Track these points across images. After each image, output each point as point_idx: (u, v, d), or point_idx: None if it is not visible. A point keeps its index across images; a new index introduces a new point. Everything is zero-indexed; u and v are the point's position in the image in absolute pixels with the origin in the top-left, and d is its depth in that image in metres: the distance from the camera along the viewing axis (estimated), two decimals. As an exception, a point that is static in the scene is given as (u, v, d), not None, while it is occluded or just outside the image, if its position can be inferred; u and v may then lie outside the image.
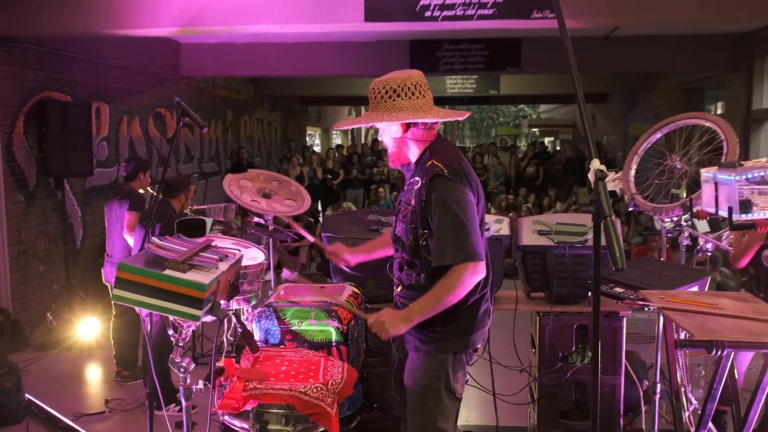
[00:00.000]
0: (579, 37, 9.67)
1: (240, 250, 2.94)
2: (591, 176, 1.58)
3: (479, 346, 2.85)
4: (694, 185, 3.64)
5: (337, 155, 15.06)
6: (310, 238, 3.32)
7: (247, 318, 3.24)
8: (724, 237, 4.31)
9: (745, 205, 2.59)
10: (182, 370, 2.63)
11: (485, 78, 13.45)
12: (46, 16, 6.23)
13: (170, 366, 2.64)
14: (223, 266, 2.57)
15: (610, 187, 4.06)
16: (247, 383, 2.43)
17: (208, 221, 4.57)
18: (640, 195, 3.94)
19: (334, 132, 25.19)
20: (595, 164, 1.58)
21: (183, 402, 2.67)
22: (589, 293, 3.69)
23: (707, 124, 3.74)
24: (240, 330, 2.61)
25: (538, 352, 3.74)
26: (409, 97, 2.64)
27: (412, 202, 2.67)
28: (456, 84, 13.31)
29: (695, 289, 3.20)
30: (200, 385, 2.71)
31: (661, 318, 3.56)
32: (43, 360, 6.20)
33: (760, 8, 6.10)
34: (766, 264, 3.22)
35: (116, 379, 5.70)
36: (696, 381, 5.07)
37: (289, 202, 4.11)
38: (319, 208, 13.32)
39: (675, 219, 3.75)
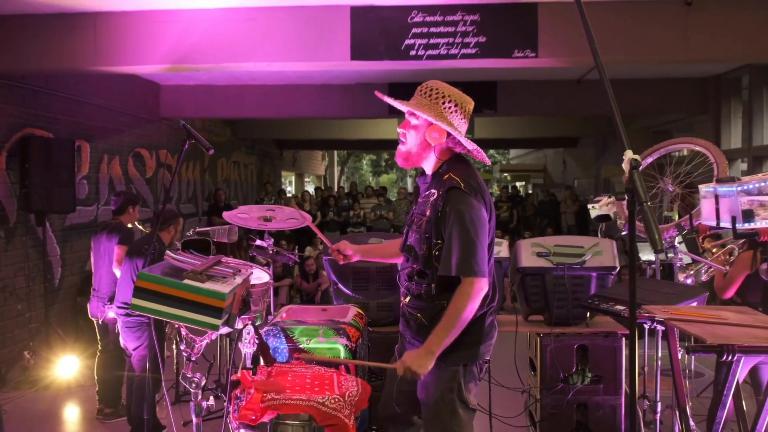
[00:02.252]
0: (553, 80, 9.97)
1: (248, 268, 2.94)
2: (626, 165, 1.64)
3: (488, 357, 2.86)
4: (686, 206, 3.75)
5: (313, 197, 15.10)
6: (327, 241, 3.34)
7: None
8: (704, 272, 4.40)
9: (748, 215, 2.69)
10: (194, 385, 2.61)
11: (460, 122, 13.65)
12: (33, 53, 6.23)
13: (182, 381, 2.61)
14: (238, 279, 2.57)
15: (603, 210, 4.17)
16: (264, 394, 2.41)
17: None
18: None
19: (307, 178, 25.32)
20: (629, 154, 1.65)
21: (194, 419, 2.63)
22: (588, 314, 3.74)
23: (697, 147, 3.87)
24: (257, 342, 2.59)
25: (539, 373, 3.76)
26: (460, 117, 2.73)
27: (427, 213, 2.71)
28: (432, 128, 13.45)
29: (695, 304, 3.27)
30: (211, 401, 2.67)
31: (660, 334, 3.62)
32: (21, 399, 6.01)
33: (727, 52, 6.37)
34: (765, 278, 3.31)
35: (97, 417, 5.54)
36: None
37: (292, 221, 4.17)
38: (296, 250, 13.27)
39: (668, 240, 3.85)
